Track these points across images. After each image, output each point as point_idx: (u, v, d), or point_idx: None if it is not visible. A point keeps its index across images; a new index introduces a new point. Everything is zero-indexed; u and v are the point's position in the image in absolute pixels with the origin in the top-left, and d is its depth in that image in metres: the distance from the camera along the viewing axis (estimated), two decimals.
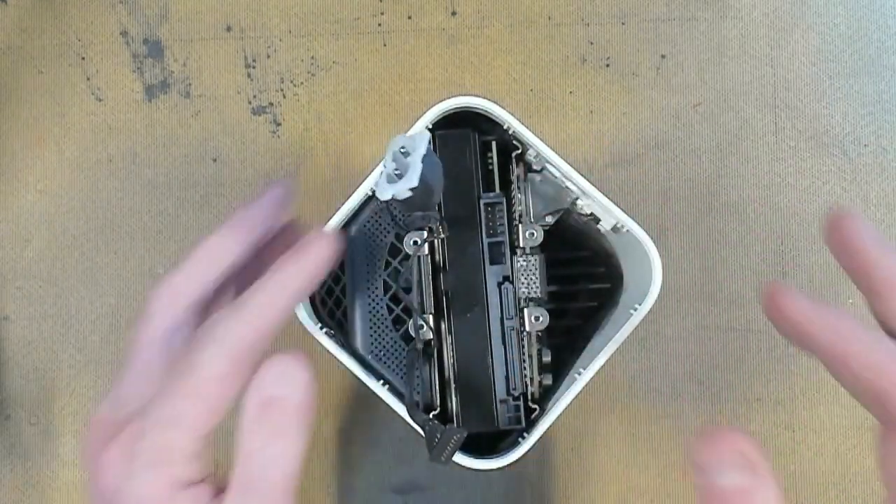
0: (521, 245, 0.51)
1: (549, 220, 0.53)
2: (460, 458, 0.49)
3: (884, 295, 0.37)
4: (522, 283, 0.50)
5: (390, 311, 0.53)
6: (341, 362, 0.50)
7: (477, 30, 0.68)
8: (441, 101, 0.50)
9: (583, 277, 0.57)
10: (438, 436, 0.45)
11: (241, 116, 0.68)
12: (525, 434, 0.50)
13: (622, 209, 0.51)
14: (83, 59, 0.68)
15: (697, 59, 0.68)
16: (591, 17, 0.68)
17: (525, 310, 0.50)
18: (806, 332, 0.37)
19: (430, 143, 0.41)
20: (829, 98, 0.69)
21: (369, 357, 0.52)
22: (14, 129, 0.68)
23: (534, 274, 0.50)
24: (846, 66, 0.69)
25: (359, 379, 0.50)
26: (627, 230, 0.51)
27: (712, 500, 0.33)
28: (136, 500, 0.33)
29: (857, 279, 0.39)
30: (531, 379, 0.51)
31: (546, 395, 0.52)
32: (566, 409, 0.50)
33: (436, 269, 0.51)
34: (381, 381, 0.51)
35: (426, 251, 0.50)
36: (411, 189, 0.40)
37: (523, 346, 0.51)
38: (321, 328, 0.51)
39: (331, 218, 0.50)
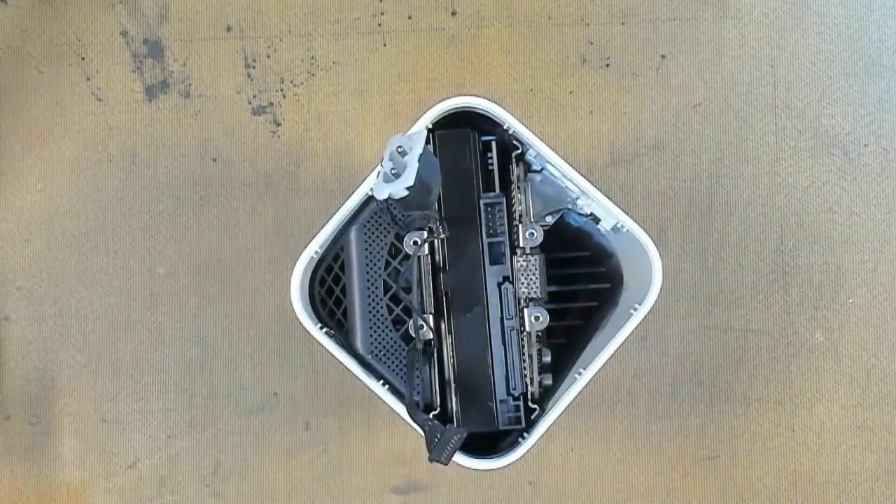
0: (521, 245, 0.50)
1: (549, 220, 0.53)
2: (460, 458, 0.49)
3: None
4: (522, 283, 0.50)
5: (390, 311, 0.52)
6: (341, 362, 0.50)
7: (477, 30, 0.68)
8: (441, 101, 0.50)
9: (583, 277, 0.57)
10: (438, 436, 0.45)
11: (241, 116, 0.68)
12: (525, 434, 0.50)
13: (622, 209, 0.51)
14: (83, 59, 0.68)
15: (697, 59, 0.68)
16: (591, 17, 0.68)
17: (525, 310, 0.50)
18: None
19: (427, 142, 0.41)
20: (829, 98, 0.69)
21: (369, 357, 0.52)
22: (14, 129, 0.68)
23: (534, 274, 0.50)
24: (846, 66, 0.69)
25: (359, 379, 0.50)
26: (627, 230, 0.51)
27: None
28: None
29: None
30: (531, 379, 0.51)
31: (546, 395, 0.52)
32: (566, 409, 0.50)
33: (436, 269, 0.51)
34: (381, 381, 0.51)
35: (426, 251, 0.50)
36: (408, 188, 0.39)
37: (523, 346, 0.51)
38: (321, 328, 0.51)
39: (331, 218, 0.50)
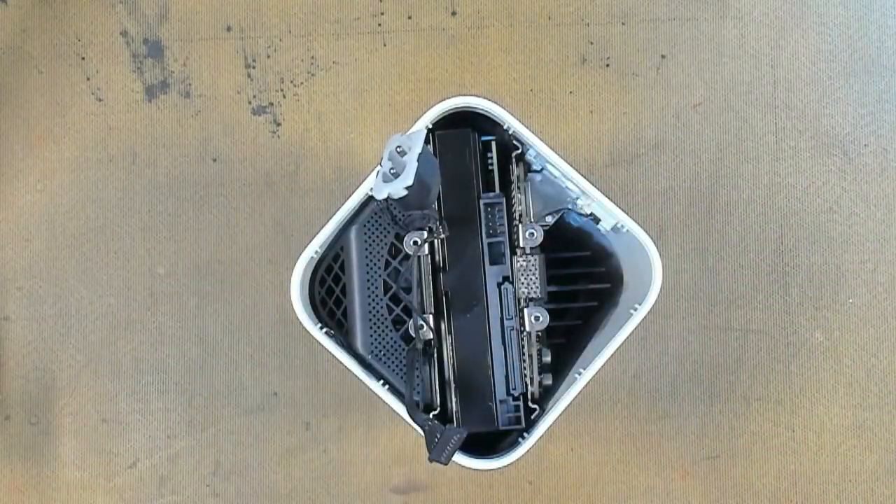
0: (521, 245, 0.50)
1: (549, 220, 0.53)
2: (460, 458, 0.49)
3: None
4: (522, 283, 0.50)
5: (390, 311, 0.52)
6: (341, 362, 0.50)
7: (477, 30, 0.68)
8: (441, 101, 0.50)
9: (583, 277, 0.57)
10: (438, 436, 0.45)
11: (241, 116, 0.68)
12: (525, 434, 0.50)
13: (622, 209, 0.51)
14: (83, 59, 0.68)
15: (697, 59, 0.68)
16: (591, 17, 0.68)
17: (525, 310, 0.50)
18: None
19: (427, 141, 0.41)
20: (829, 98, 0.69)
21: (369, 357, 0.52)
22: (14, 129, 0.68)
23: (534, 274, 0.50)
24: (846, 66, 0.69)
25: (359, 379, 0.50)
26: (627, 230, 0.51)
27: None
28: None
29: None
30: (531, 379, 0.51)
31: (546, 395, 0.52)
32: (566, 409, 0.50)
33: (436, 269, 0.51)
34: (381, 381, 0.51)
35: (426, 251, 0.50)
36: (407, 188, 0.39)
37: (523, 346, 0.51)
38: (321, 328, 0.51)
39: (331, 218, 0.50)
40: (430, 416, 0.49)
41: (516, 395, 0.50)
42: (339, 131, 0.68)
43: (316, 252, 0.51)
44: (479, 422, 0.50)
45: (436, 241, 0.50)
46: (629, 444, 0.68)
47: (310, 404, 0.67)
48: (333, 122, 0.68)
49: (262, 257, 0.68)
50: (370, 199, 0.51)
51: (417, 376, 0.50)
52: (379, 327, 0.53)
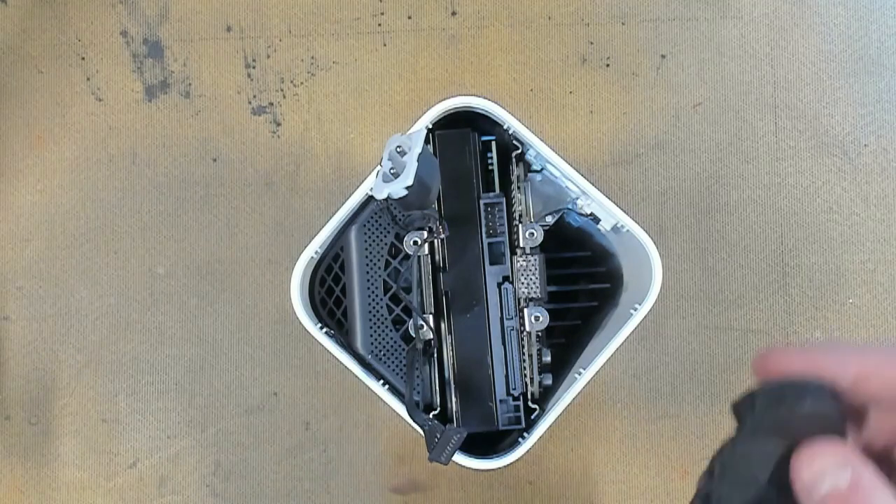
0: (521, 245, 0.51)
1: (549, 220, 0.53)
2: (460, 458, 0.49)
3: None
4: (522, 283, 0.50)
5: (390, 311, 0.53)
6: (341, 362, 0.50)
7: (477, 30, 0.68)
8: (441, 101, 0.50)
9: (583, 277, 0.57)
10: (438, 436, 0.45)
11: (241, 116, 0.68)
12: (525, 434, 0.50)
13: (622, 209, 0.51)
14: (83, 59, 0.68)
15: (697, 59, 0.68)
16: (591, 17, 0.68)
17: (525, 310, 0.50)
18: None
19: (427, 141, 0.41)
20: (829, 98, 0.69)
21: (369, 357, 0.52)
22: (14, 129, 0.68)
23: (534, 274, 0.50)
24: (846, 66, 0.69)
25: (359, 379, 0.50)
26: (627, 230, 0.51)
27: None
28: None
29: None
30: (531, 379, 0.51)
31: (546, 395, 0.52)
32: (566, 409, 0.50)
33: (436, 269, 0.51)
34: (381, 381, 0.51)
35: (426, 251, 0.50)
36: (407, 187, 0.40)
37: (523, 346, 0.51)
38: (321, 328, 0.51)
39: (331, 218, 0.50)
40: (430, 416, 0.49)
41: (516, 395, 0.50)
42: (339, 131, 0.68)
43: (316, 252, 0.51)
44: (479, 422, 0.50)
45: (436, 241, 0.51)
46: (629, 443, 0.68)
47: (310, 404, 0.67)
48: (333, 122, 0.68)
49: (262, 257, 0.68)
50: (370, 199, 0.51)
51: (417, 376, 0.51)
52: (379, 327, 0.53)
